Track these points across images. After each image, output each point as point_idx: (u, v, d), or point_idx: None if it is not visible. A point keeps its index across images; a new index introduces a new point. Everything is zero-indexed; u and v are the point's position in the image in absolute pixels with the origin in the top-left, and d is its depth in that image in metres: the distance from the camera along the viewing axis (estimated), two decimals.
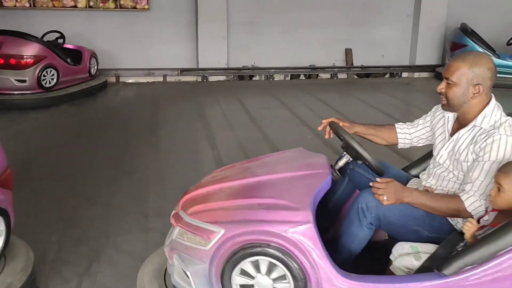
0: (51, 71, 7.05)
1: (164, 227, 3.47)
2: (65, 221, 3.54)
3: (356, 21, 9.81)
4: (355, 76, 9.93)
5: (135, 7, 8.84)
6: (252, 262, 2.09)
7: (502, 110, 2.27)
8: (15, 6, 8.44)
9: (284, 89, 8.61)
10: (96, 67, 8.22)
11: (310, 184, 2.25)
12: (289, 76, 9.73)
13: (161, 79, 9.21)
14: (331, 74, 9.75)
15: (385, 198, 2.17)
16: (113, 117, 6.71)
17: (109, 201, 3.92)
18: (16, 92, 6.89)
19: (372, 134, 2.66)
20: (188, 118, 6.62)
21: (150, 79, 9.19)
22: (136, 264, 2.95)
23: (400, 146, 2.66)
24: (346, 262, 2.26)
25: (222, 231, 2.11)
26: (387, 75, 10.03)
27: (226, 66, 9.34)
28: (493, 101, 2.27)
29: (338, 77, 9.75)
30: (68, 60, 7.49)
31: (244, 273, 2.11)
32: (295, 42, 9.69)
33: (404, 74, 10.02)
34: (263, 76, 9.58)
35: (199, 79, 9.29)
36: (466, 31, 8.99)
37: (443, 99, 2.29)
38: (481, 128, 2.22)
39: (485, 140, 2.15)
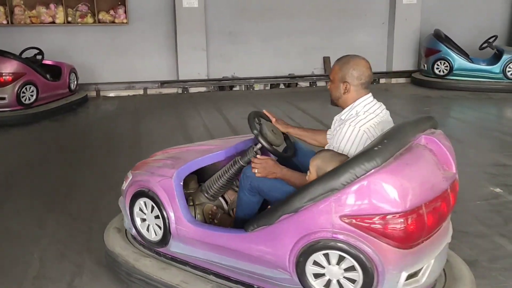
0: (30, 87, 7.05)
1: None
2: (48, 237, 3.56)
3: (333, 29, 9.97)
4: None
5: (113, 22, 8.87)
6: (144, 202, 2.85)
7: (372, 109, 2.59)
8: None
9: (264, 99, 8.71)
10: (76, 82, 8.23)
11: (201, 154, 2.94)
12: (269, 85, 9.83)
13: (142, 92, 9.25)
14: (310, 83, 9.88)
15: (256, 171, 2.63)
16: (95, 131, 6.73)
17: (91, 216, 3.94)
18: None
19: (305, 136, 3.02)
20: (169, 130, 6.66)
21: (131, 92, 9.22)
22: (118, 278, 2.99)
23: (326, 147, 2.88)
24: (243, 220, 2.70)
25: (131, 177, 2.98)
26: None
27: (206, 77, 9.42)
28: (363, 98, 2.61)
29: (317, 85, 9.89)
30: (48, 76, 7.49)
31: (140, 209, 2.88)
32: (273, 51, 9.81)
33: (382, 80, 10.20)
34: (243, 86, 9.67)
35: (180, 91, 9.35)
36: (439, 36, 9.20)
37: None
38: (342, 119, 2.64)
39: (337, 128, 2.60)
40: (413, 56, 10.18)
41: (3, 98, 6.82)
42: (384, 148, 2.17)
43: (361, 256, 2.17)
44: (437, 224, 2.31)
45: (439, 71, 9.23)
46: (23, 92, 6.96)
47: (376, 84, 10.05)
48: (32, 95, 7.10)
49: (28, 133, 6.58)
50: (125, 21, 8.90)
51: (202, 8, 9.10)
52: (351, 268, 2.21)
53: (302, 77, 9.88)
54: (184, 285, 2.65)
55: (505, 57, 8.84)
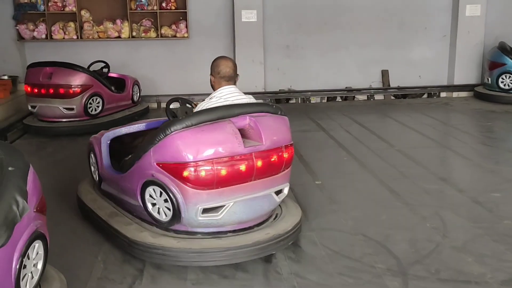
0: (96, 99, 7.39)
1: None
2: (111, 241, 3.73)
3: (392, 42, 9.84)
4: (392, 97, 9.93)
5: (175, 36, 9.18)
6: (92, 155, 4.28)
7: (225, 96, 3.52)
8: (63, 38, 8.92)
9: (320, 112, 8.70)
10: (138, 94, 8.55)
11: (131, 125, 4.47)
12: (326, 98, 9.82)
13: None
14: (367, 96, 9.79)
15: None
16: None
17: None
18: (64, 120, 7.26)
19: None
20: None
21: None
22: (176, 282, 3.10)
23: None
24: None
25: (90, 139, 4.40)
26: (425, 96, 9.98)
27: (263, 90, 9.53)
28: (222, 87, 3.58)
29: (375, 98, 9.78)
30: (112, 88, 7.84)
31: (91, 160, 4.32)
32: (331, 64, 9.80)
33: (442, 94, 9.94)
34: (299, 99, 9.71)
35: None
36: (504, 49, 8.89)
37: None
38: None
39: None
40: (476, 69, 9.87)
41: (72, 109, 7.20)
42: (186, 119, 3.22)
43: (168, 191, 3.24)
44: (235, 178, 3.25)
45: (504, 85, 8.90)
46: (90, 103, 7.31)
47: (436, 97, 9.82)
48: (98, 106, 7.44)
49: None
50: (186, 35, 9.19)
51: (260, 22, 9.26)
52: (167, 200, 3.27)
53: (359, 90, 9.80)
54: (98, 210, 3.89)
55: None
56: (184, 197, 3.19)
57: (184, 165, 3.15)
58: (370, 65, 9.86)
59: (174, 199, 3.21)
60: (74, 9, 8.82)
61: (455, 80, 9.86)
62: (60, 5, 8.82)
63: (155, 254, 3.29)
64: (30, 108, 7.37)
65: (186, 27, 9.13)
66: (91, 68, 7.89)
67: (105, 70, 8.04)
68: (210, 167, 3.15)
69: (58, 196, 4.72)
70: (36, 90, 7.20)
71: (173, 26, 9.16)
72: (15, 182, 2.52)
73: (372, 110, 8.85)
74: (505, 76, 8.84)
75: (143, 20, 9.11)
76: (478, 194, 4.62)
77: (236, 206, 3.31)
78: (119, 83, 8.14)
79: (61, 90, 7.13)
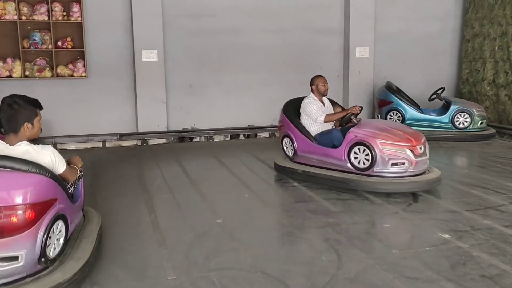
0: None
1: None
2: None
3: (291, 82, 10.27)
4: None
5: (72, 75, 8.91)
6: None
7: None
8: None
9: (224, 150, 8.80)
10: None
11: None
12: (229, 136, 9.96)
13: (100, 144, 9.20)
14: (269, 133, 10.08)
15: None
16: None
17: None
18: None
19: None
20: (127, 183, 6.62)
21: (89, 145, 9.16)
22: None
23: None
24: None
25: None
26: None
27: (166, 129, 9.48)
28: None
29: (276, 135, 10.08)
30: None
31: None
32: (233, 103, 10.01)
33: None
34: (203, 137, 9.76)
35: (139, 143, 9.35)
36: (391, 88, 9.62)
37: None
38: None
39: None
40: (368, 106, 10.56)
41: None
42: None
43: None
44: None
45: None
46: None
47: None
48: None
49: None
50: (84, 74, 8.94)
51: (161, 62, 9.28)
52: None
53: (261, 128, 10.07)
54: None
55: (452, 107, 9.28)
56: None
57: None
58: (270, 104, 10.19)
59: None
60: None
61: None
62: None
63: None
64: None
65: (84, 66, 8.91)
66: None
67: None
68: None
69: None
70: None
71: (70, 65, 8.91)
72: None
73: (273, 147, 9.06)
74: (393, 113, 9.54)
75: (37, 59, 8.76)
76: (371, 226, 4.88)
77: None
78: None
79: None
